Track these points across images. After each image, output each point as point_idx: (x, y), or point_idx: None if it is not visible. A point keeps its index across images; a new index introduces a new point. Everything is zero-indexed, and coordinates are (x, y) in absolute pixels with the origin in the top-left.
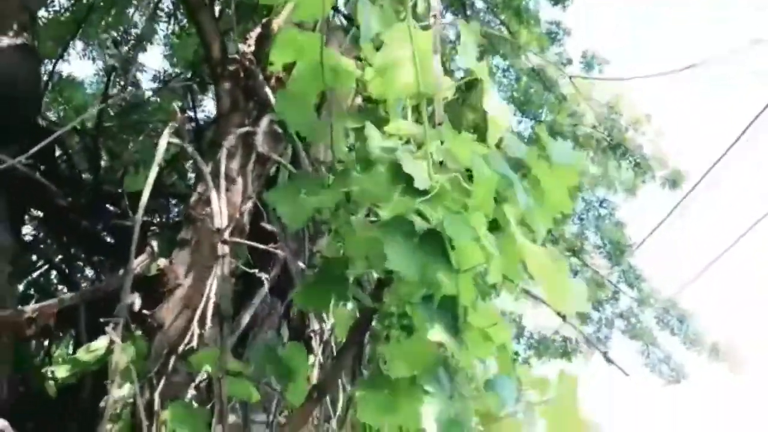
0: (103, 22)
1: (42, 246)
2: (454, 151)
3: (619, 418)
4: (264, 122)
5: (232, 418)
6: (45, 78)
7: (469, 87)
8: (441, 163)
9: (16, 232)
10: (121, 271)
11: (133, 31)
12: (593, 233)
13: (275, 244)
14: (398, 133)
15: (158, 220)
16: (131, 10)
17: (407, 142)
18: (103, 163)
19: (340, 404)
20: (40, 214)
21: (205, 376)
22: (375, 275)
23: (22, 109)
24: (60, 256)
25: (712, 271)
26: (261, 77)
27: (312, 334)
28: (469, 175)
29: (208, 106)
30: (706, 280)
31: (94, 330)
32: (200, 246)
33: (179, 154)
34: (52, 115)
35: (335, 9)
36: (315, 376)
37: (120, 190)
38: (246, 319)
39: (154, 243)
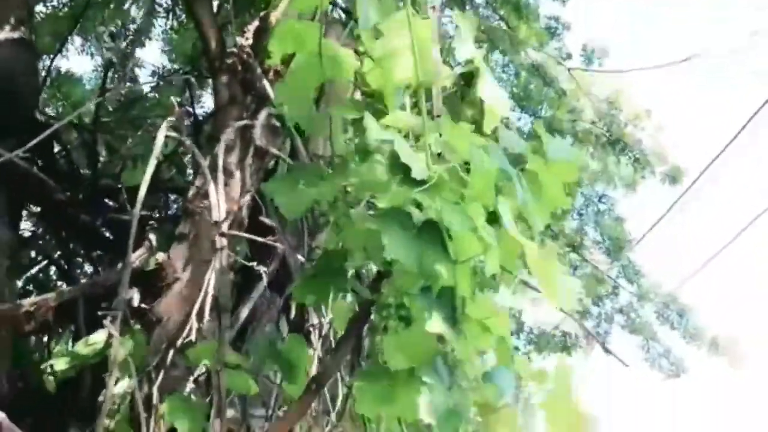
0: (101, 17)
1: (41, 242)
2: (453, 143)
3: (619, 412)
4: (262, 115)
5: (230, 413)
6: (43, 73)
7: (468, 82)
8: (439, 155)
9: (14, 226)
10: (120, 266)
11: (132, 26)
12: (593, 229)
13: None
14: (397, 124)
15: (157, 215)
16: (129, 5)
17: (406, 135)
18: (101, 158)
19: (339, 397)
20: (39, 209)
21: (203, 370)
22: (374, 267)
23: (20, 104)
24: (59, 252)
25: (712, 266)
26: (259, 70)
27: (311, 328)
28: (467, 168)
29: (207, 102)
30: (706, 275)
31: (93, 326)
32: (198, 240)
33: (177, 148)
34: (50, 111)
35: (333, 3)
36: (314, 370)
37: (119, 185)
38: (245, 312)
39: (153, 237)
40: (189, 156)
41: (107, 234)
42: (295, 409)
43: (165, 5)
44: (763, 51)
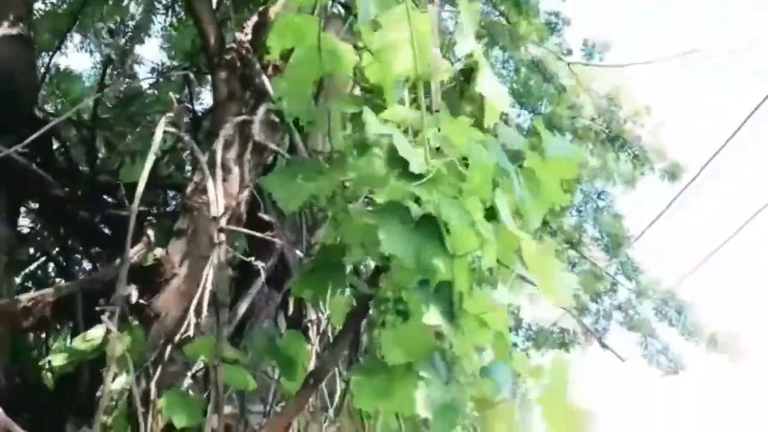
0: (99, 13)
1: (39, 239)
2: (451, 138)
3: (618, 409)
4: (261, 111)
5: (228, 409)
6: (42, 71)
7: (467, 78)
8: (438, 149)
9: (12, 223)
10: (118, 261)
11: (131, 23)
12: (591, 225)
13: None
14: (395, 119)
15: (156, 211)
16: (128, 2)
17: (405, 131)
18: (100, 154)
19: (337, 393)
20: (38, 206)
21: (201, 365)
22: (372, 262)
23: (18, 101)
24: (57, 249)
25: (712, 263)
26: (258, 66)
27: (309, 324)
28: (466, 164)
29: (206, 99)
30: (706, 272)
31: (91, 322)
32: (197, 235)
33: (176, 144)
34: (50, 108)
35: None
36: (312, 366)
37: (117, 182)
38: (243, 308)
39: (151, 233)
40: (188, 152)
41: (106, 230)
42: (292, 404)
43: (164, 2)
44: (763, 51)
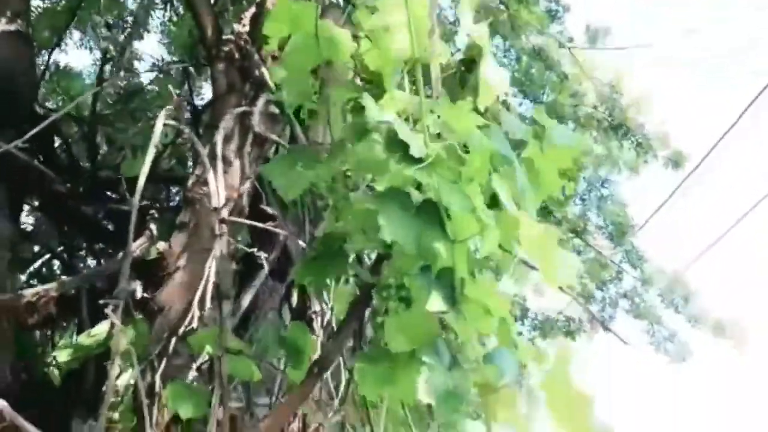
0: (97, 9)
1: (42, 236)
2: (451, 123)
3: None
4: (261, 102)
5: (234, 404)
6: (42, 68)
7: (468, 68)
8: (438, 135)
9: (14, 219)
10: (121, 255)
11: (129, 18)
12: (595, 214)
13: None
14: (394, 105)
15: (158, 205)
16: None
17: (406, 119)
18: (101, 150)
19: (342, 383)
20: (40, 202)
21: (206, 358)
22: (374, 252)
23: (18, 98)
24: (61, 246)
25: (716, 250)
26: (257, 57)
27: (313, 315)
28: (466, 150)
29: (206, 93)
30: (710, 259)
31: (96, 319)
32: (199, 228)
33: (177, 138)
34: (50, 105)
35: None
36: (317, 356)
37: (119, 177)
38: (247, 300)
39: (153, 227)
40: (189, 146)
41: (108, 226)
42: (297, 393)
43: None
44: (763, 51)
